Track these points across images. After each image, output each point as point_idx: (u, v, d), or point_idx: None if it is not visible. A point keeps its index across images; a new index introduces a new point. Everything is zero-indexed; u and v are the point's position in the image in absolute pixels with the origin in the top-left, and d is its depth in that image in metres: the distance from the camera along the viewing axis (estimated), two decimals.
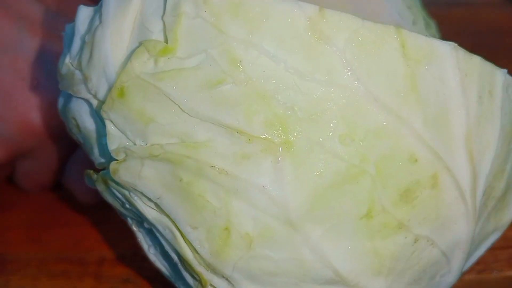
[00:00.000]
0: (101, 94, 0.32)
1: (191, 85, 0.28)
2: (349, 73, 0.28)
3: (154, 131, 0.29)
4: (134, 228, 0.36)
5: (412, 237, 0.30)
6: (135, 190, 0.31)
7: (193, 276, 0.32)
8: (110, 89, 0.30)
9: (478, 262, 0.44)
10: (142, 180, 0.30)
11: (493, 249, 0.45)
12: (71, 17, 0.35)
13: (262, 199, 0.28)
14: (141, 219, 0.34)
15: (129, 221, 0.36)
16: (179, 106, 0.28)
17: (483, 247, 0.37)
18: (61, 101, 0.37)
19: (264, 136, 0.28)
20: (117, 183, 0.31)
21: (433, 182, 0.30)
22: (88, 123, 0.34)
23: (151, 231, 0.34)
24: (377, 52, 0.28)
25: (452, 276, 0.34)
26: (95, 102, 0.32)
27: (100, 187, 0.34)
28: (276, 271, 0.30)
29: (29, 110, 0.43)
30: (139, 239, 0.36)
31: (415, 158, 0.29)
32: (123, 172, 0.30)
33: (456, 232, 0.32)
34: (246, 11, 0.27)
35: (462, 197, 0.31)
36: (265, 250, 0.29)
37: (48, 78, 0.44)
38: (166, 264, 0.36)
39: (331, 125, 0.28)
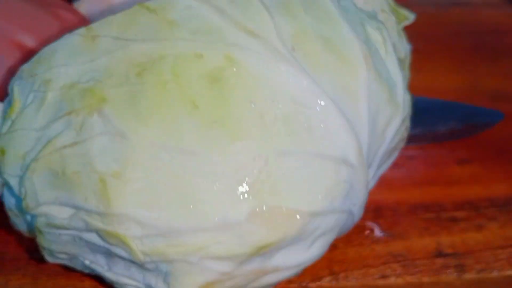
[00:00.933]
0: None
1: (30, 114, 0.38)
2: (118, 41, 0.37)
3: (28, 159, 0.37)
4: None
5: (248, 103, 0.35)
6: (47, 206, 0.37)
7: (120, 247, 0.36)
8: None
9: (479, 261, 0.45)
10: (40, 194, 0.37)
11: (493, 248, 0.46)
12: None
13: (109, 143, 0.35)
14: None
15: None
16: (29, 131, 0.38)
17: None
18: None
19: (84, 104, 0.36)
20: (44, 225, 0.37)
21: (229, 62, 0.36)
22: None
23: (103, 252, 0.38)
24: (137, 21, 0.38)
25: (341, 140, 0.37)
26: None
27: (44, 244, 0.39)
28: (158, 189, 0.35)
29: None
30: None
31: (200, 54, 0.36)
32: (29, 205, 0.37)
33: (280, 81, 0.36)
34: (45, 59, 0.39)
35: (271, 56, 0.36)
36: (137, 172, 0.35)
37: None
38: (118, 270, 0.38)
39: (123, 70, 0.36)
